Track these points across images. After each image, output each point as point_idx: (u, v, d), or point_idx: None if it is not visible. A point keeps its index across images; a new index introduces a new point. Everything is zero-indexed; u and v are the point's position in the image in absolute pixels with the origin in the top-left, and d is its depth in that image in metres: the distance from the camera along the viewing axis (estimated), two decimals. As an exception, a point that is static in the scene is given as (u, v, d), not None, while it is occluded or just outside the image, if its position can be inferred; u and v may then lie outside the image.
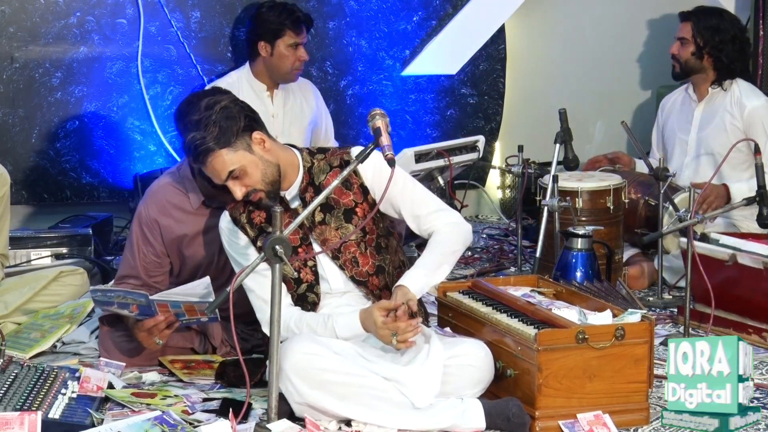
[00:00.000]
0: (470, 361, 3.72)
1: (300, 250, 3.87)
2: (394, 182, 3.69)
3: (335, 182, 3.63)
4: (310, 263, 3.86)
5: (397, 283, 3.77)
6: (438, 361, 3.66)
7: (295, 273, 3.82)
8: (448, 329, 3.96)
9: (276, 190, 3.83)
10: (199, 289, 3.91)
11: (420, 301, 3.93)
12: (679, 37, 5.67)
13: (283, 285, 3.76)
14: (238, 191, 3.78)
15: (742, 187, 5.36)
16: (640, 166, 5.68)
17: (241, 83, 5.72)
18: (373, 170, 3.88)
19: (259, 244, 3.85)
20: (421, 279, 3.77)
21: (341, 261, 3.87)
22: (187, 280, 4.23)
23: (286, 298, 3.86)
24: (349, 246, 3.87)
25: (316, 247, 3.85)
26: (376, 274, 3.90)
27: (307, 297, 3.88)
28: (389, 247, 3.95)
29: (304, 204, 3.86)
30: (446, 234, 3.88)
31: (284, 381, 3.60)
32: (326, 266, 3.90)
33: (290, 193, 3.88)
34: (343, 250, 3.87)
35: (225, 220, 3.95)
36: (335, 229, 3.87)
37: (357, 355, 3.71)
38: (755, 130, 5.47)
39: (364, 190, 3.90)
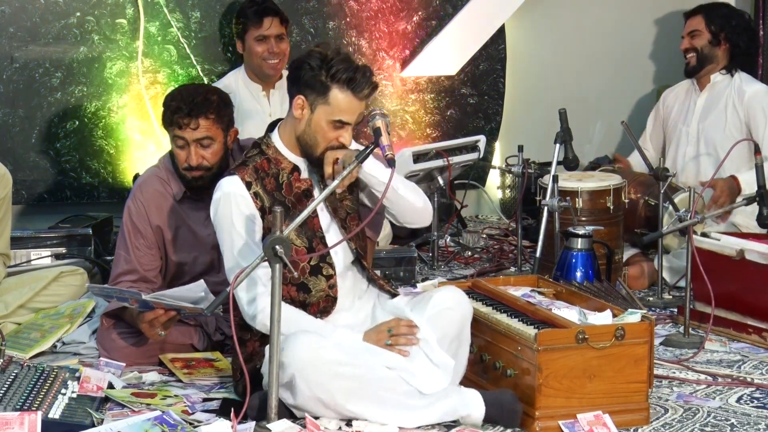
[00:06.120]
0: (448, 304, 3.77)
1: (308, 221, 3.79)
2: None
3: (336, 181, 3.66)
4: (319, 233, 3.83)
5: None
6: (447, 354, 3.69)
7: (296, 273, 3.81)
8: (418, 288, 3.99)
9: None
10: (194, 292, 3.95)
11: (388, 279, 3.99)
12: (690, 31, 5.71)
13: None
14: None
15: (750, 177, 5.32)
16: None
17: (238, 85, 5.72)
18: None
19: (274, 208, 3.53)
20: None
21: (348, 233, 3.87)
22: (173, 277, 4.43)
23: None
24: (353, 218, 3.90)
25: (325, 215, 3.84)
26: (363, 254, 3.95)
27: (321, 269, 3.83)
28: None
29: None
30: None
31: (290, 376, 3.56)
32: (333, 239, 3.83)
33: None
34: (349, 222, 3.89)
35: (235, 184, 3.74)
36: (340, 200, 3.88)
37: (362, 348, 3.70)
38: (755, 114, 5.52)
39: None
